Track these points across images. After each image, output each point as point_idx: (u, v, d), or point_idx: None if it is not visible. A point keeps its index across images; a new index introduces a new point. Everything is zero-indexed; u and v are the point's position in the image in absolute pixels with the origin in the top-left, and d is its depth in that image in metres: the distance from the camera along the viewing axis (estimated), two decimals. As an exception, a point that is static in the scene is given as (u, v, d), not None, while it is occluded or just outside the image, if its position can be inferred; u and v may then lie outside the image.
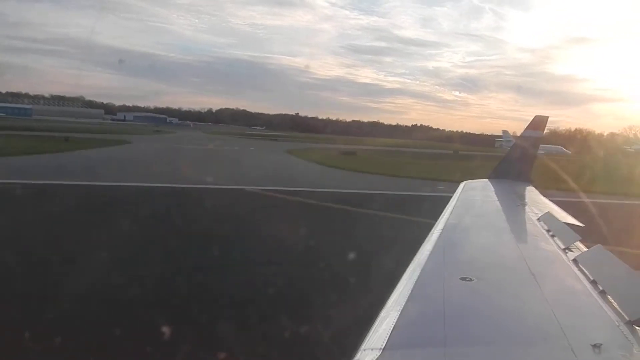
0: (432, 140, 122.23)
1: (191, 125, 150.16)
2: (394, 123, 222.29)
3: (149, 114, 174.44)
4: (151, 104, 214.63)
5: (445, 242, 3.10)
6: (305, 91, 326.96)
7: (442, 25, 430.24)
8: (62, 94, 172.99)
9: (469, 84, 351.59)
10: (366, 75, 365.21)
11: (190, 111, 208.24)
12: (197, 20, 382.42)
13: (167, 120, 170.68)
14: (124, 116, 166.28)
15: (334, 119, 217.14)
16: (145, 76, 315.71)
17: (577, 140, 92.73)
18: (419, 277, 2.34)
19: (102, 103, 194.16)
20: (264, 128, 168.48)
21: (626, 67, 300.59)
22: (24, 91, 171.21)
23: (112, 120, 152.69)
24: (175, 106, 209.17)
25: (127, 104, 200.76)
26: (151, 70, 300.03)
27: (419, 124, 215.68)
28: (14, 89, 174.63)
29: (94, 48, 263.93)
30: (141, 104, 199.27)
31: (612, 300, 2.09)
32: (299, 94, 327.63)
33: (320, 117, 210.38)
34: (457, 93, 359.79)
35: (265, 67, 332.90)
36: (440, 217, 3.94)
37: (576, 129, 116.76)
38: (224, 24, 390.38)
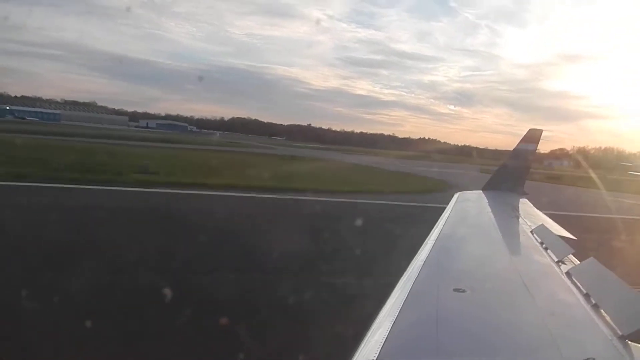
0: (447, 153, 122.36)
1: (217, 134, 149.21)
2: (405, 136, 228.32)
3: (170, 122, 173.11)
4: (145, 110, 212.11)
5: (438, 253, 3.09)
6: (302, 101, 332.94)
7: (438, 40, 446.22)
8: (55, 98, 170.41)
9: (464, 98, 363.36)
10: (362, 87, 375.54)
11: (202, 119, 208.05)
12: (194, 29, 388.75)
13: (188, 129, 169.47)
14: (147, 123, 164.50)
15: (349, 130, 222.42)
16: (141, 82, 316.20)
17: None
18: (412, 287, 2.33)
19: (114, 109, 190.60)
20: (284, 138, 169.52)
21: (620, 84, 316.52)
22: (17, 94, 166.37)
23: (136, 127, 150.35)
24: (185, 114, 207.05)
25: (137, 110, 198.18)
26: (147, 77, 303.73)
27: (427, 137, 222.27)
28: (11, 92, 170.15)
29: (91, 53, 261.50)
30: (138, 110, 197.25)
31: (605, 314, 2.08)
32: (294, 104, 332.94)
33: (333, 129, 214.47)
34: (452, 107, 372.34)
35: (261, 76, 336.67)
36: (434, 228, 3.91)
37: (606, 148, 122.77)
38: (222, 33, 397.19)
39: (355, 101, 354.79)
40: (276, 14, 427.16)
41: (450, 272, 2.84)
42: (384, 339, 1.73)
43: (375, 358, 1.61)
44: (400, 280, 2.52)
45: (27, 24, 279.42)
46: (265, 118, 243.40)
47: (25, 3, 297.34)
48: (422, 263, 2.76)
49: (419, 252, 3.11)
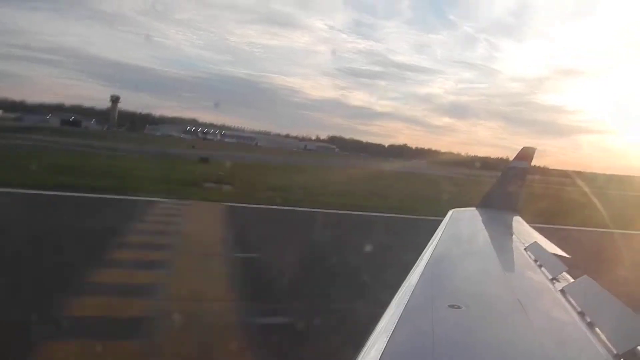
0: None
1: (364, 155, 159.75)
2: (419, 147, 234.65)
3: (323, 144, 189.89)
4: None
5: (433, 271, 3.11)
6: (298, 111, 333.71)
7: (436, 52, 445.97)
8: (52, 103, 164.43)
9: (459, 111, 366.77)
10: (359, 97, 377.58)
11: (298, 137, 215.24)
12: (194, 37, 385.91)
13: (336, 151, 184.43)
14: (305, 145, 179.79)
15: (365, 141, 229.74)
16: (139, 89, 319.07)
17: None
18: (407, 304, 2.34)
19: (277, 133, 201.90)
20: (425, 162, 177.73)
21: (614, 100, 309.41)
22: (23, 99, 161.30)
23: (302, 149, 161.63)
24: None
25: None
26: (145, 84, 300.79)
27: (441, 150, 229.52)
28: (6, 96, 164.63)
29: (89, 59, 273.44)
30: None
31: (600, 332, 2.09)
32: (291, 113, 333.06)
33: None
34: (446, 119, 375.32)
35: (259, 85, 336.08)
36: (428, 245, 3.95)
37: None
38: (221, 41, 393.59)
39: (351, 112, 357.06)
40: (277, 24, 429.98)
41: (445, 289, 2.85)
42: (380, 356, 1.74)
43: None
44: (395, 296, 2.55)
45: (26, 29, 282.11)
46: (262, 128, 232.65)
47: (25, 7, 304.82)
48: (417, 280, 2.79)
49: (413, 268, 3.16)
